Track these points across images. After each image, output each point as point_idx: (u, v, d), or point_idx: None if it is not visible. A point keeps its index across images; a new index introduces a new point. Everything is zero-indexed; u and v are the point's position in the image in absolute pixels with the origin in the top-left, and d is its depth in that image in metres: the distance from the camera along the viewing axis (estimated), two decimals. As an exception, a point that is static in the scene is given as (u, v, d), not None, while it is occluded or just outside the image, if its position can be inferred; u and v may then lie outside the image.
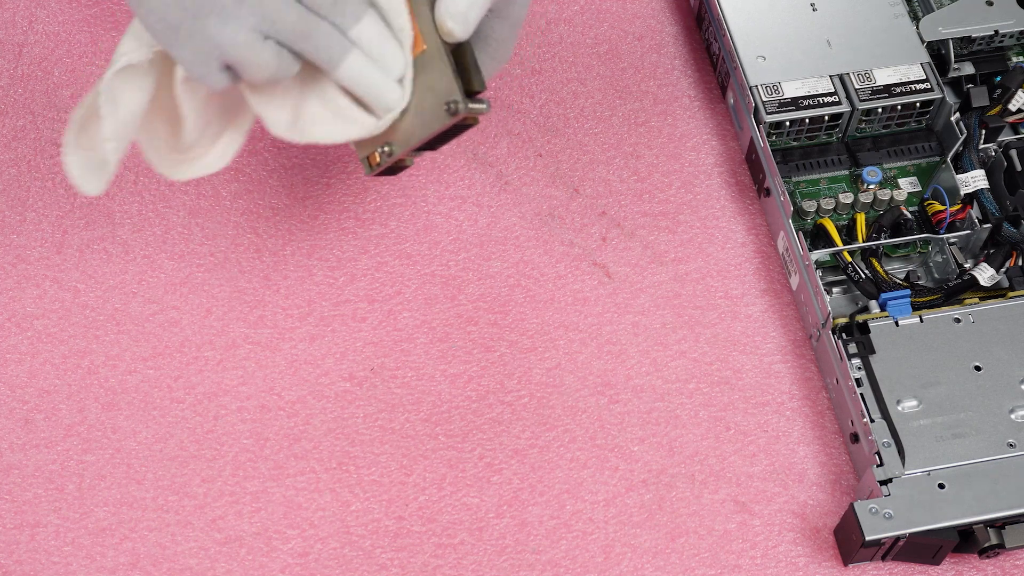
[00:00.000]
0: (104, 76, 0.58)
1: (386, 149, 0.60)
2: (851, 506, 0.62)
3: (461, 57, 0.57)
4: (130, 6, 0.56)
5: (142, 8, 0.55)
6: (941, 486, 0.63)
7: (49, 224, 0.73)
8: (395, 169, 0.61)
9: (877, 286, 0.68)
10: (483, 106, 0.57)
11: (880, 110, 0.73)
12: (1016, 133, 0.74)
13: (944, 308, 0.68)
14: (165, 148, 0.62)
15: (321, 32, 0.56)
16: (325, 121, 0.59)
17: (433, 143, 0.59)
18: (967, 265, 0.70)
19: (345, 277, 0.72)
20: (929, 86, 0.73)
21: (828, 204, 0.72)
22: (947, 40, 0.75)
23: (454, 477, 0.67)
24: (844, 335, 0.67)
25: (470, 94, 0.57)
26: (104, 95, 0.58)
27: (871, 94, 0.73)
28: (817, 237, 0.72)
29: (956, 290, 0.68)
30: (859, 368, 0.66)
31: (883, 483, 0.63)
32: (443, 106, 0.57)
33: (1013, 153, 0.72)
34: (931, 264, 0.72)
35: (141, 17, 0.56)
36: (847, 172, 0.73)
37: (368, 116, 0.59)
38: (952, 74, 0.75)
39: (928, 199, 0.72)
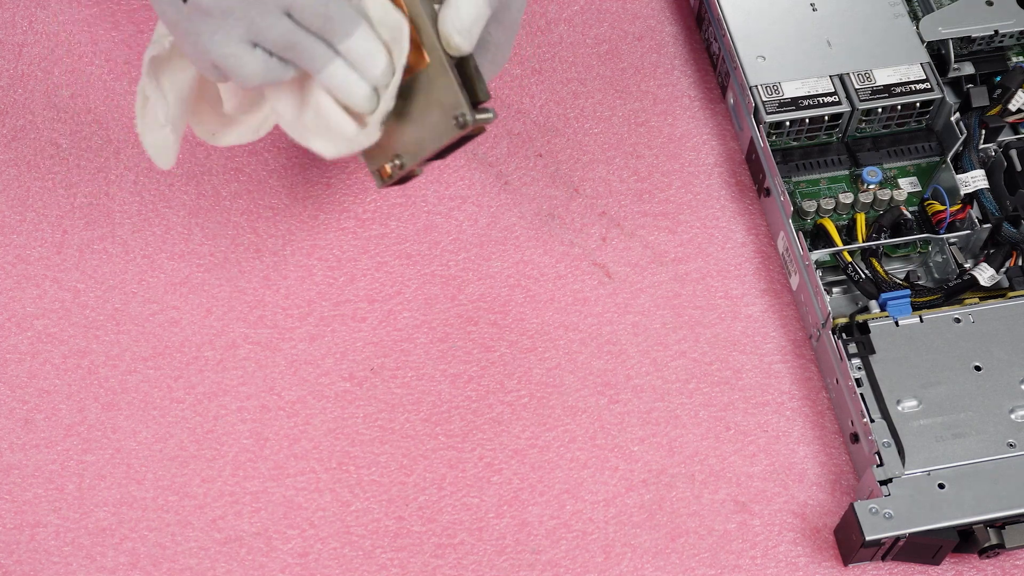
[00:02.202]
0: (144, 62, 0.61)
1: (397, 162, 0.60)
2: (851, 506, 0.62)
3: (464, 68, 0.58)
4: None
5: (153, 1, 0.57)
6: (941, 486, 0.63)
7: (49, 224, 0.73)
8: (405, 179, 0.62)
9: (877, 286, 0.68)
10: (489, 115, 0.58)
11: (880, 110, 0.73)
12: (1016, 133, 0.74)
13: (944, 308, 0.68)
14: (207, 117, 0.65)
15: (305, 44, 0.57)
16: (319, 134, 0.60)
17: (442, 153, 0.60)
18: (967, 265, 0.70)
19: (345, 277, 0.72)
20: (929, 86, 0.73)
21: (828, 204, 0.72)
22: (947, 40, 0.75)
23: (454, 477, 0.67)
24: (844, 335, 0.67)
25: (475, 104, 0.58)
26: (148, 84, 0.61)
27: (871, 94, 0.73)
28: (817, 237, 0.72)
29: (956, 290, 0.68)
30: (859, 368, 0.66)
31: (883, 483, 0.63)
32: (451, 119, 0.58)
33: (1013, 153, 0.72)
34: (931, 264, 0.72)
35: (154, 6, 0.57)
36: (847, 172, 0.73)
37: (355, 129, 0.60)
38: (952, 74, 0.75)
39: (928, 199, 0.72)
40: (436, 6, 0.57)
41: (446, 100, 0.58)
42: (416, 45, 0.58)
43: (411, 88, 0.59)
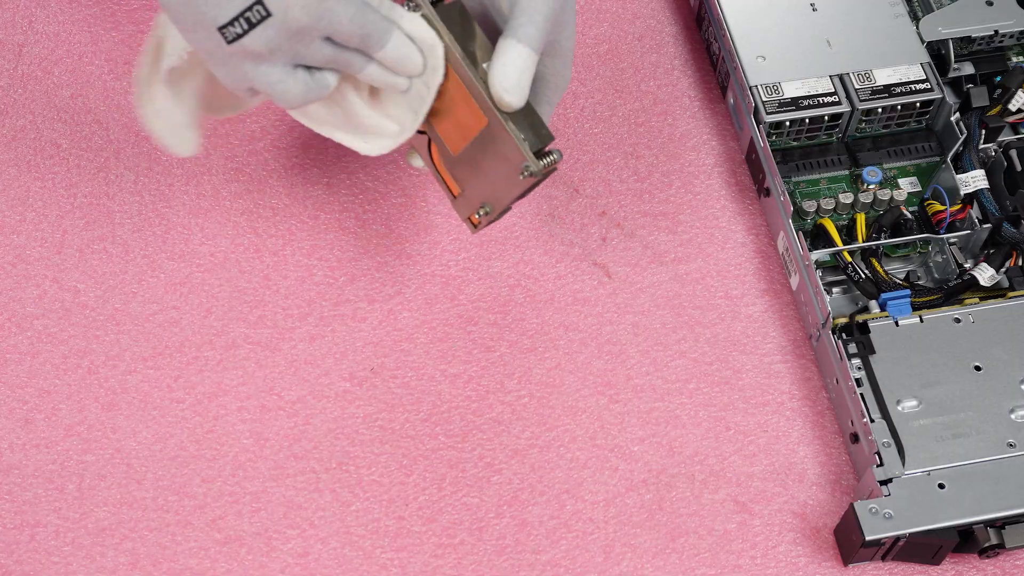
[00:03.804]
0: (161, 68, 0.61)
1: (483, 211, 0.63)
2: (851, 506, 0.62)
3: (521, 119, 0.60)
4: (168, 14, 0.56)
5: (177, 23, 0.56)
6: (941, 486, 0.63)
7: (49, 224, 0.73)
8: (495, 220, 0.65)
9: (877, 286, 0.68)
10: (554, 157, 0.60)
11: (880, 110, 0.73)
12: (1016, 133, 0.74)
13: (944, 308, 0.68)
14: (224, 102, 0.65)
15: (344, 59, 0.58)
16: (346, 131, 0.62)
17: (524, 194, 0.62)
18: (967, 265, 0.70)
19: (345, 277, 0.72)
20: (929, 86, 0.73)
21: (828, 204, 0.72)
22: (947, 40, 0.75)
23: (454, 477, 0.67)
24: (844, 335, 0.67)
25: (540, 150, 0.60)
26: (165, 93, 0.61)
27: (871, 94, 0.73)
28: (817, 237, 0.72)
29: (956, 290, 0.68)
30: (859, 368, 0.66)
31: (883, 483, 0.63)
32: (518, 173, 0.60)
33: (1013, 153, 0.72)
34: (931, 264, 0.72)
35: (186, 38, 0.57)
36: (847, 172, 0.73)
37: (382, 136, 0.61)
38: (952, 74, 0.75)
39: (928, 199, 0.72)
40: (485, 65, 0.59)
41: (511, 155, 0.60)
42: (472, 107, 0.60)
43: (480, 145, 0.61)
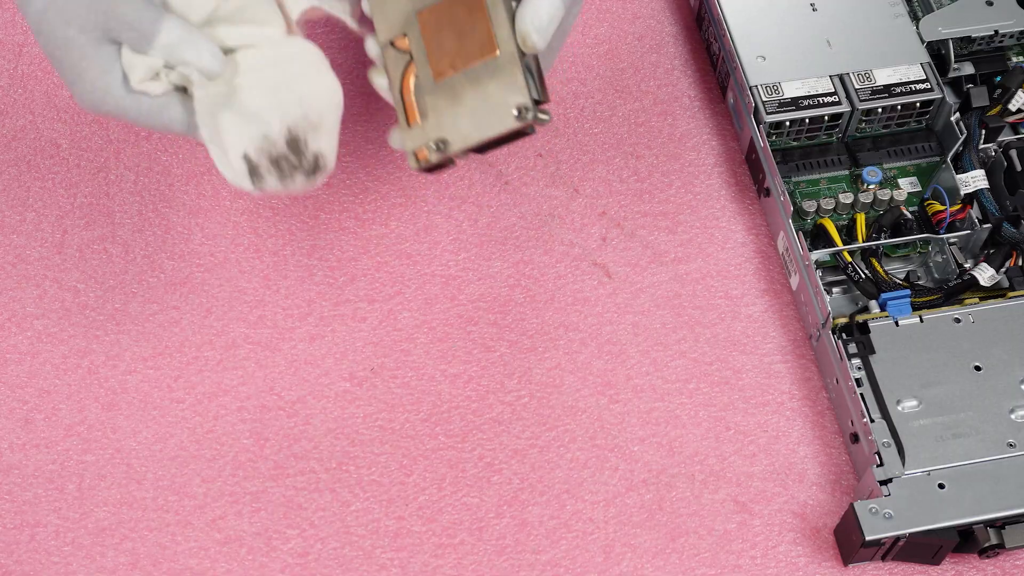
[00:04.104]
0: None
1: (440, 146, 0.60)
2: (851, 506, 0.62)
3: (531, 66, 0.59)
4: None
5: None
6: (941, 486, 0.63)
7: (49, 224, 0.73)
8: (439, 167, 0.62)
9: (877, 286, 0.68)
10: (547, 116, 0.59)
11: (880, 110, 0.73)
12: (1016, 133, 0.74)
13: (944, 308, 0.68)
14: None
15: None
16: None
17: (485, 147, 0.60)
18: (967, 265, 0.70)
19: (345, 277, 0.72)
20: (929, 86, 0.73)
21: (828, 204, 0.72)
22: (947, 40, 0.75)
23: (454, 477, 0.67)
24: (844, 335, 0.67)
25: (536, 103, 0.58)
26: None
27: (871, 94, 0.73)
28: (817, 237, 0.72)
29: (956, 290, 0.68)
30: (859, 368, 0.66)
31: (883, 483, 0.63)
32: (512, 110, 0.58)
33: (1013, 153, 0.72)
34: (931, 264, 0.72)
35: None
36: (847, 172, 0.73)
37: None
38: (952, 74, 0.75)
39: (928, 199, 0.72)
40: (514, 3, 0.58)
41: (510, 92, 0.58)
42: (488, 36, 0.58)
43: (475, 77, 0.59)
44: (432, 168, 0.61)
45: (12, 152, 0.76)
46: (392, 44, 0.61)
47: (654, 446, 0.68)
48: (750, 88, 0.73)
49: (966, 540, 0.63)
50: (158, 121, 0.59)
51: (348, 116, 0.77)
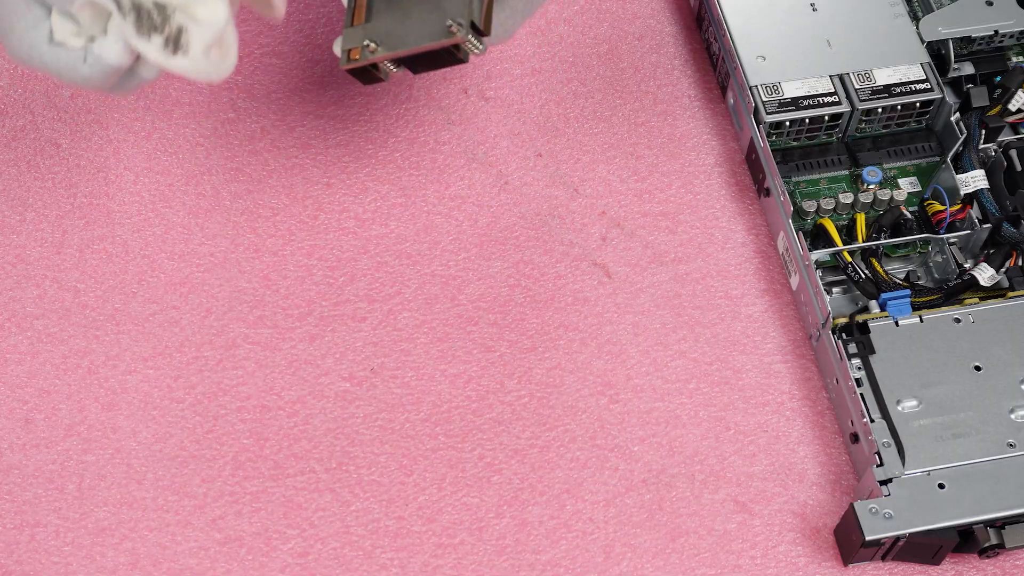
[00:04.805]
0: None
1: (370, 46, 0.60)
2: (851, 506, 0.62)
3: None
4: None
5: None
6: (941, 486, 0.63)
7: (49, 224, 0.73)
8: (369, 76, 0.61)
9: (877, 286, 0.68)
10: (481, 46, 0.58)
11: (880, 110, 0.73)
12: (1016, 133, 0.74)
13: (944, 308, 0.68)
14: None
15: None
16: None
17: (417, 63, 0.60)
18: (967, 265, 0.70)
19: (345, 277, 0.72)
20: (929, 86, 0.73)
21: (828, 204, 0.72)
22: (947, 40, 0.75)
23: (454, 477, 0.67)
24: (844, 335, 0.67)
25: (476, 31, 0.58)
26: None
27: (871, 94, 0.73)
28: (817, 237, 0.72)
29: (956, 290, 0.68)
30: (859, 368, 0.66)
31: (883, 483, 0.63)
32: (445, 24, 0.57)
33: (1013, 153, 0.72)
34: (931, 264, 0.72)
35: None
36: (847, 172, 0.73)
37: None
38: (952, 74, 0.75)
39: (928, 199, 0.72)
40: None
41: (451, 7, 0.58)
42: None
43: None
44: (360, 72, 0.60)
45: (12, 152, 0.76)
46: None
47: (654, 446, 0.68)
48: (750, 88, 0.73)
49: (966, 540, 0.63)
50: (77, 74, 0.60)
51: (347, 115, 0.77)
